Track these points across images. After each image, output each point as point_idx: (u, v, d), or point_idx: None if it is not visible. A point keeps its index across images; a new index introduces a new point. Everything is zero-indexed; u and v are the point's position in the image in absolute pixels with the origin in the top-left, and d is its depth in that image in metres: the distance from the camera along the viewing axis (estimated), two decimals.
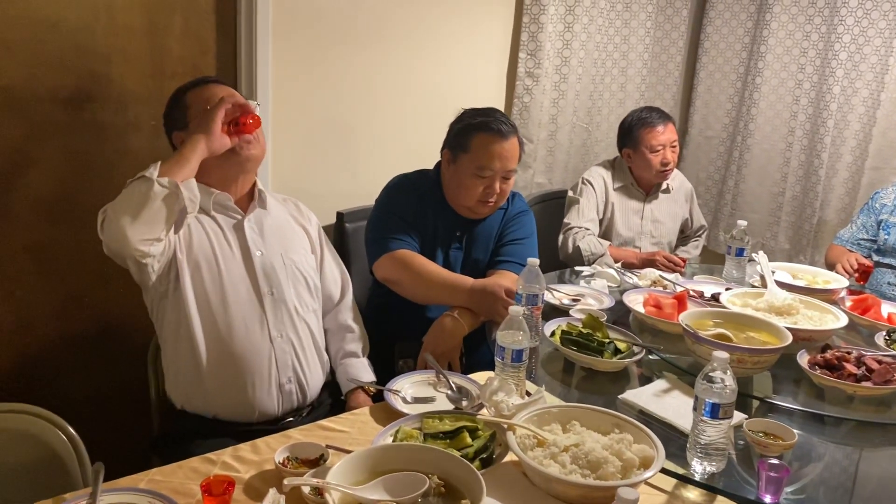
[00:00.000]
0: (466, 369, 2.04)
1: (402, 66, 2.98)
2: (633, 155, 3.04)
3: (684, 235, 3.34)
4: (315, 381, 1.95)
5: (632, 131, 3.02)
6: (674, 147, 3.03)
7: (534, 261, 1.99)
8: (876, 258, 2.93)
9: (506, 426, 1.49)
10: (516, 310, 1.69)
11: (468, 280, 2.15)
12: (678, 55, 3.81)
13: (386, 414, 1.64)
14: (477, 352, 2.23)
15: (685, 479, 1.48)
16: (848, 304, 2.33)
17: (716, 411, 1.44)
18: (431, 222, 2.29)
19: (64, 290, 2.40)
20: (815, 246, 3.58)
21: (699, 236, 3.38)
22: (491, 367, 2.11)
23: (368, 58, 2.88)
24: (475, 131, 2.21)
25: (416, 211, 2.28)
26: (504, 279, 2.16)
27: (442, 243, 2.30)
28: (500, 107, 3.39)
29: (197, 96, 1.90)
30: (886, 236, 2.91)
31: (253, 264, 1.86)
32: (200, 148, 1.72)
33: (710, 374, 1.45)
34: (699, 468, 1.48)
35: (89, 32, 2.30)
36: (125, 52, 2.38)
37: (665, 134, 2.99)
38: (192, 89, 1.93)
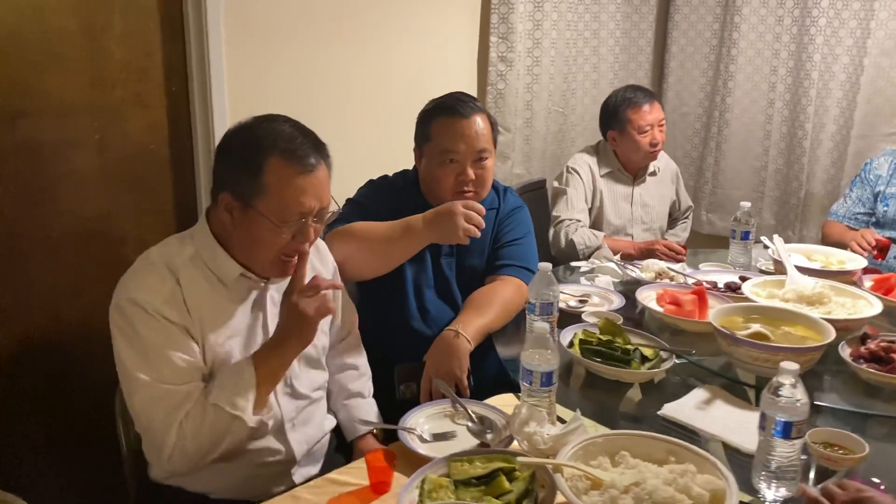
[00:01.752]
0: (475, 390, 1.83)
1: (367, 59, 2.74)
2: (620, 137, 2.87)
3: (672, 218, 3.19)
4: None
5: (617, 113, 2.84)
6: (661, 126, 2.87)
7: (545, 265, 1.80)
8: (875, 231, 2.81)
9: (551, 467, 1.29)
10: (542, 326, 1.49)
11: (419, 216, 1.91)
12: (649, 31, 3.66)
13: (404, 458, 1.43)
14: (480, 366, 2.02)
15: None
16: (868, 284, 2.19)
17: (788, 430, 1.26)
18: None
19: (8, 334, 2.11)
20: (803, 220, 3.47)
21: (686, 218, 3.24)
22: (499, 382, 1.93)
23: (331, 52, 2.64)
24: (434, 117, 2.03)
25: (392, 211, 2.03)
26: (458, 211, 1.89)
27: (430, 250, 2.08)
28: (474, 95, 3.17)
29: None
30: (886, 208, 2.79)
31: None
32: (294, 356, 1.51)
33: (779, 388, 1.27)
34: (770, 493, 1.31)
35: (15, 39, 2.01)
36: (60, 59, 2.09)
37: (652, 113, 2.83)
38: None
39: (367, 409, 1.79)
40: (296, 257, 1.51)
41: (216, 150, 1.54)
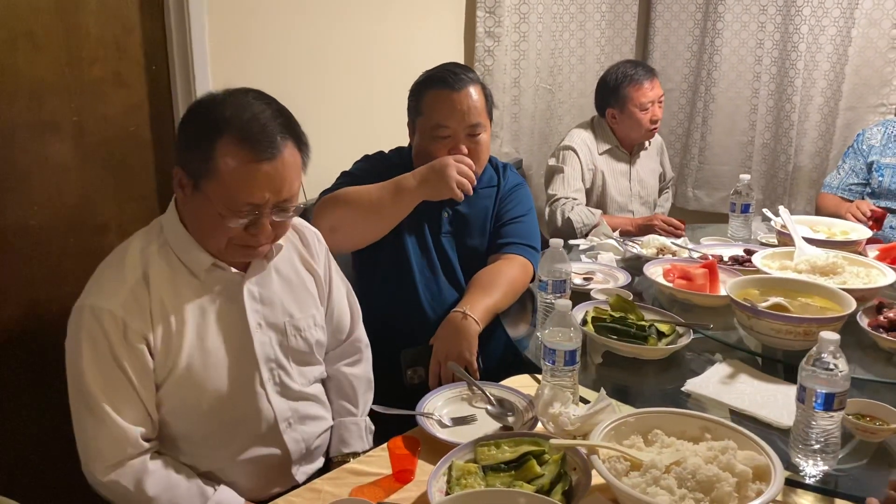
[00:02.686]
0: (481, 371, 1.76)
1: (352, 34, 2.64)
2: (620, 115, 2.82)
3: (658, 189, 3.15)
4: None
5: (618, 90, 2.78)
6: (661, 102, 2.83)
7: (557, 241, 1.74)
8: (870, 202, 2.80)
9: (584, 450, 1.23)
10: (564, 304, 1.43)
11: (409, 174, 1.85)
12: (634, 5, 3.60)
13: (426, 443, 1.35)
14: (487, 347, 1.95)
15: (796, 484, 1.26)
16: (873, 254, 2.16)
17: (830, 401, 1.22)
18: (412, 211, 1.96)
19: None
20: (791, 194, 3.46)
21: (668, 188, 3.19)
22: (505, 363, 1.87)
23: (316, 27, 2.53)
24: (425, 89, 1.96)
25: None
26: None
27: (428, 228, 2.01)
28: None
29: None
30: (881, 178, 2.77)
31: (252, 346, 1.44)
32: None
33: (821, 358, 1.22)
34: (810, 468, 1.27)
35: None
36: (33, 36, 1.96)
37: (654, 90, 2.79)
38: None
39: (355, 434, 1.63)
40: (260, 246, 1.39)
41: (181, 118, 1.41)
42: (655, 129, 2.85)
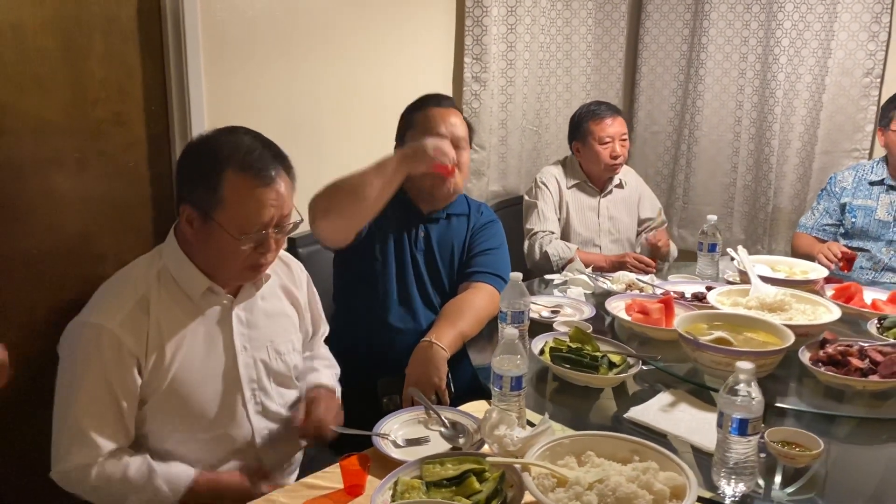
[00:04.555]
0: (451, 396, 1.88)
1: (343, 78, 2.80)
2: (583, 148, 2.97)
3: (648, 228, 3.24)
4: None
5: (581, 124, 2.95)
6: (623, 141, 2.96)
7: (516, 275, 1.85)
8: (843, 242, 2.90)
9: (519, 466, 1.34)
10: (511, 333, 1.54)
11: (392, 155, 1.97)
12: (619, 51, 3.76)
13: (377, 462, 1.46)
14: (455, 373, 2.07)
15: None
16: (830, 293, 2.26)
17: (744, 427, 1.32)
18: (390, 214, 2.07)
19: None
20: (771, 234, 3.56)
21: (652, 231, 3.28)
22: (474, 388, 1.97)
23: (308, 71, 2.70)
24: (414, 111, 2.17)
25: (376, 217, 2.07)
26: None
27: (405, 239, 2.15)
28: None
29: None
30: (854, 219, 2.88)
31: (237, 367, 1.58)
32: None
33: (735, 386, 1.33)
34: (729, 489, 1.36)
35: None
36: (40, 80, 2.13)
37: (614, 126, 2.92)
38: None
39: (323, 375, 1.81)
40: (263, 265, 1.54)
41: (177, 161, 1.56)
42: (616, 164, 2.97)
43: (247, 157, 1.47)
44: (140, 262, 1.57)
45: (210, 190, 1.46)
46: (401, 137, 2.19)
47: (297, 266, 1.80)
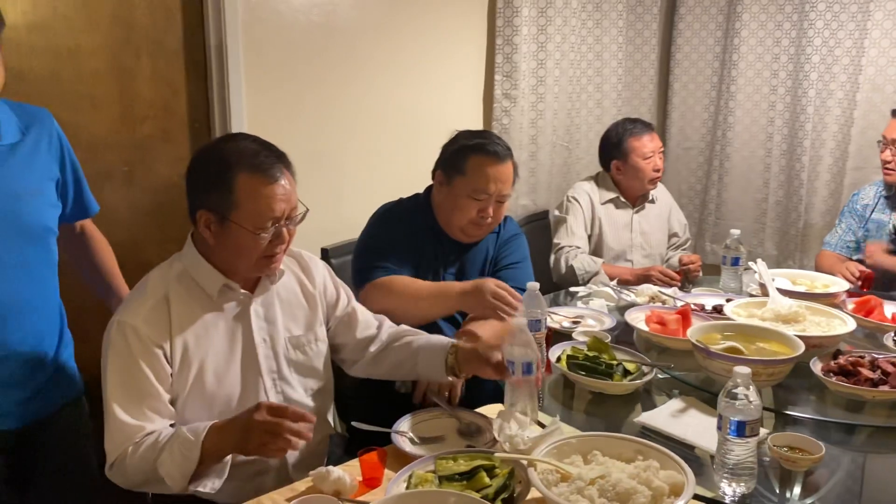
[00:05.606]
0: (471, 402, 1.95)
1: (379, 95, 2.93)
2: (624, 166, 3.02)
3: (674, 245, 3.29)
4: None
5: (621, 143, 3.00)
6: (661, 154, 3.04)
7: (534, 284, 1.93)
8: (856, 257, 2.91)
9: (525, 462, 1.41)
10: (520, 322, 1.65)
11: (455, 284, 2.11)
12: (651, 69, 3.81)
13: (395, 458, 1.55)
14: (478, 380, 2.15)
15: (714, 502, 1.41)
16: (850, 306, 2.29)
17: (742, 429, 1.38)
18: (423, 248, 2.23)
19: None
20: (803, 250, 3.57)
21: (684, 247, 3.32)
22: (494, 398, 2.05)
23: (344, 90, 2.83)
24: (471, 153, 2.17)
25: (407, 237, 2.21)
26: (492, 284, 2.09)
27: (436, 269, 2.24)
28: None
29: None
30: (866, 233, 2.90)
31: (258, 358, 1.68)
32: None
33: (733, 390, 1.39)
34: (729, 490, 1.42)
35: (55, 80, 2.22)
36: (93, 98, 2.29)
37: (654, 141, 3.01)
38: None
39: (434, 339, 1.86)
40: (278, 255, 1.65)
41: (186, 172, 1.67)
42: (657, 177, 3.05)
43: (254, 159, 1.59)
44: (159, 267, 1.70)
45: (224, 194, 1.57)
46: (447, 170, 2.20)
47: (310, 259, 1.89)
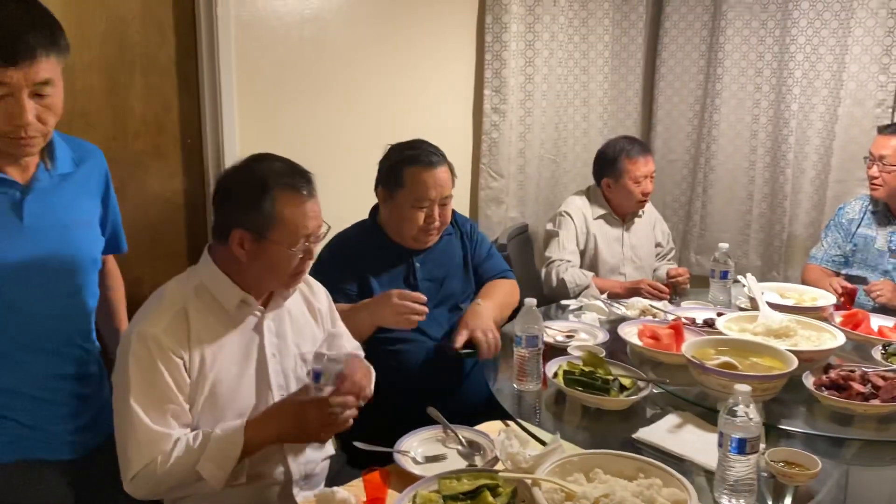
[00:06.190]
0: (467, 418, 1.96)
1: (370, 110, 2.94)
2: (615, 185, 3.04)
3: (660, 255, 3.33)
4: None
5: (616, 162, 3.01)
6: (652, 178, 3.05)
7: (531, 301, 1.96)
8: (844, 271, 2.96)
9: (530, 481, 1.42)
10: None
11: (365, 301, 2.18)
12: (636, 82, 3.86)
13: (398, 477, 1.56)
14: (469, 394, 2.19)
15: None
16: (838, 320, 2.33)
17: (743, 446, 1.40)
18: (378, 264, 2.27)
19: None
20: (787, 262, 3.62)
21: (669, 258, 3.36)
22: (490, 407, 2.06)
23: (335, 106, 2.84)
24: (406, 165, 2.24)
25: (357, 259, 2.27)
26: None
27: (404, 276, 2.29)
28: (469, 143, 3.39)
29: None
30: (854, 248, 2.94)
31: (268, 372, 1.70)
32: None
33: (733, 408, 1.41)
34: None
35: None
36: (86, 115, 2.29)
37: (648, 165, 3.01)
38: None
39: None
40: (305, 271, 1.70)
41: (216, 192, 1.69)
42: (645, 200, 3.07)
43: (287, 178, 1.63)
44: (175, 280, 1.70)
45: (261, 212, 1.60)
46: (388, 186, 2.27)
47: (316, 284, 1.93)
